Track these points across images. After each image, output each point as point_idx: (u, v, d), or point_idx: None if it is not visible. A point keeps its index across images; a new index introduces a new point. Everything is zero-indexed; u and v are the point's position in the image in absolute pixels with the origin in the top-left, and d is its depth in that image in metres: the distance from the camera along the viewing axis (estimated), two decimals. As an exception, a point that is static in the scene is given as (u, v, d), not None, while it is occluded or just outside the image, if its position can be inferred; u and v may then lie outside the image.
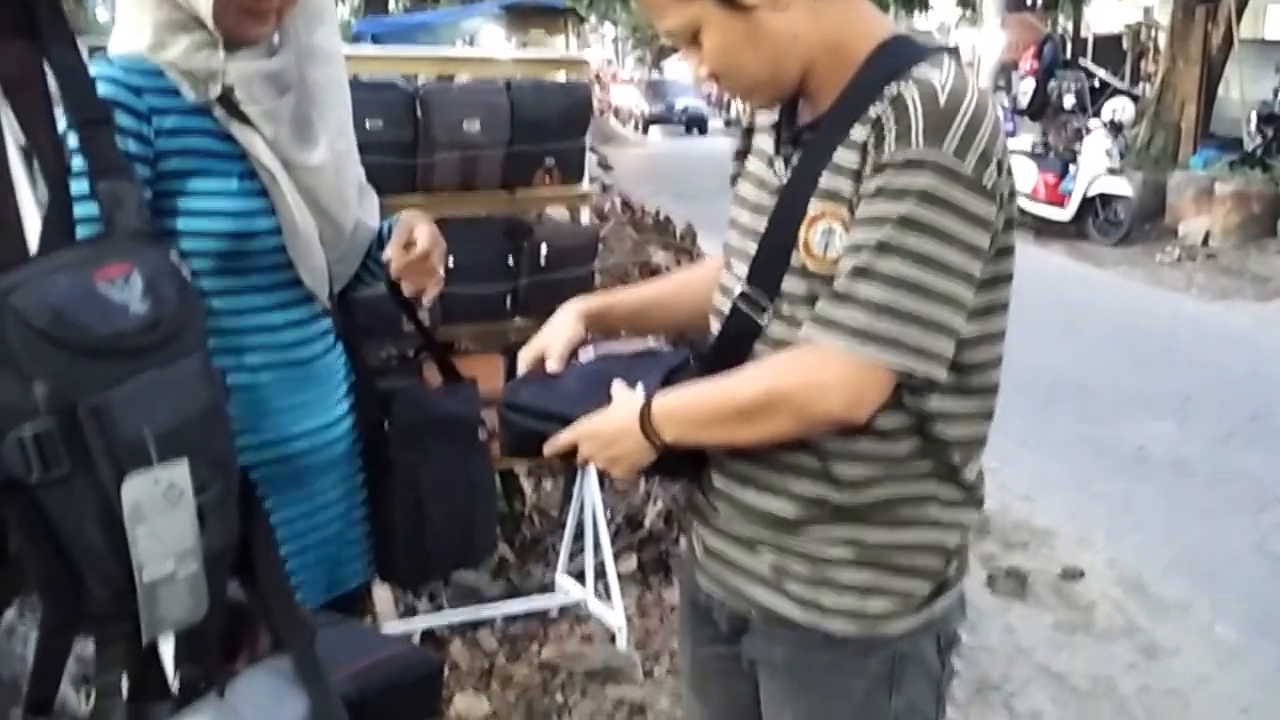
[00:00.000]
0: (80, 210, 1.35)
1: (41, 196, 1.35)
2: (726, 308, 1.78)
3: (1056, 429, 6.82)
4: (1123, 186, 13.35)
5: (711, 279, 1.98)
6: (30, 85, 1.34)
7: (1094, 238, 13.32)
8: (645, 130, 35.16)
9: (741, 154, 1.94)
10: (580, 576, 4.21)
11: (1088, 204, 13.30)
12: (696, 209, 9.34)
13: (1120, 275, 11.86)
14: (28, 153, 1.34)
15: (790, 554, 1.78)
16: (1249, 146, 14.74)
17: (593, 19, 30.99)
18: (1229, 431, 6.90)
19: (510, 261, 3.98)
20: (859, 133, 1.61)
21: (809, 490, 1.73)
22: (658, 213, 8.88)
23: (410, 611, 4.08)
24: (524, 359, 1.99)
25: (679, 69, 36.53)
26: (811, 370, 1.60)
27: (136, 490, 1.21)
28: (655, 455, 1.74)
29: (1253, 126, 15.03)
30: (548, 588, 4.29)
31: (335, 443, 2.26)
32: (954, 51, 1.71)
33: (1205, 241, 12.96)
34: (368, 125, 3.49)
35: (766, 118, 1.86)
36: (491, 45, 18.11)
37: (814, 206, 1.64)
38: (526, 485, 4.77)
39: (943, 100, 1.57)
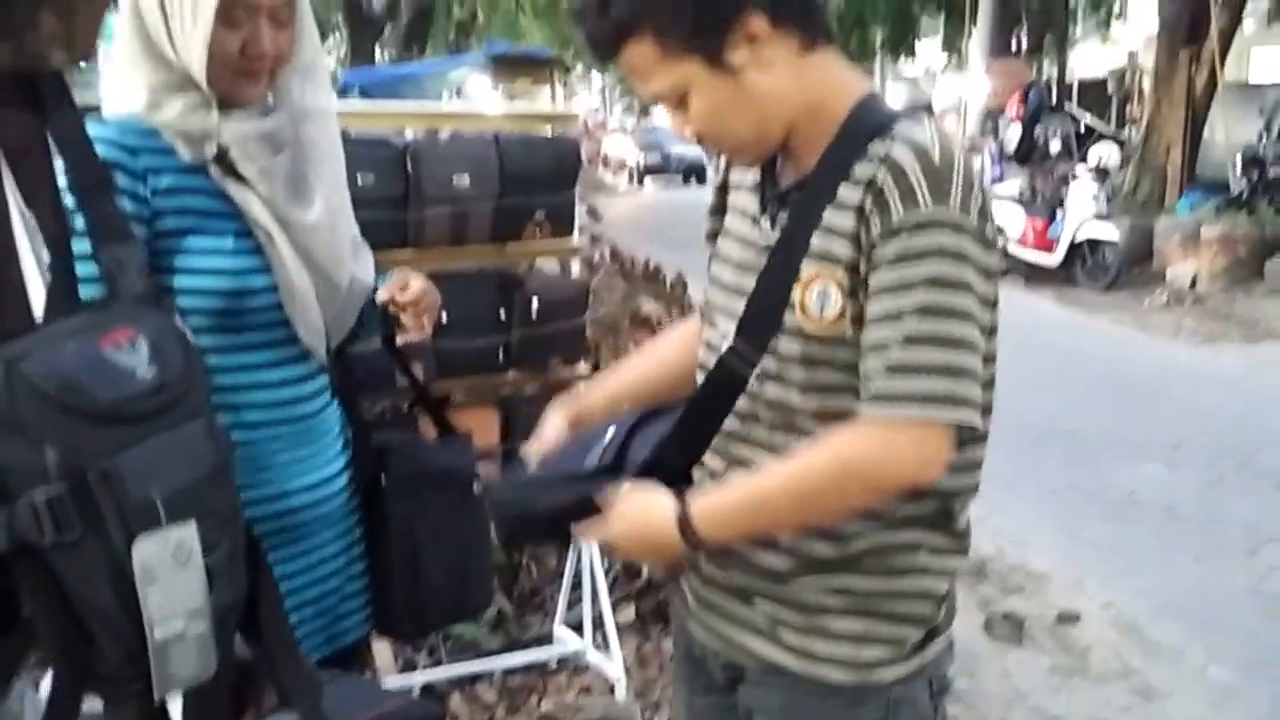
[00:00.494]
0: (83, 273, 1.38)
1: (44, 261, 1.39)
2: (713, 363, 1.82)
3: (1048, 473, 6.84)
4: (1110, 232, 13.43)
5: (688, 346, 2.04)
6: (33, 153, 1.38)
7: (1082, 283, 13.39)
8: (640, 181, 33.74)
9: (717, 210, 1.99)
10: (579, 627, 4.21)
11: (1076, 249, 13.38)
12: (687, 257, 9.42)
13: (1109, 320, 11.91)
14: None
15: (783, 604, 1.81)
16: (1235, 190, 14.84)
17: (579, 68, 31.12)
18: (1219, 475, 6.93)
19: (502, 315, 4.02)
20: (851, 194, 1.66)
21: (800, 543, 1.77)
22: (647, 262, 8.92)
23: (409, 666, 4.07)
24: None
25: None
26: (882, 443, 1.64)
27: (147, 552, 1.24)
28: (685, 551, 1.79)
29: (1238, 170, 15.14)
30: (546, 639, 4.29)
31: (333, 498, 2.28)
32: (928, 109, 1.79)
33: (1193, 285, 13.04)
34: (359, 180, 3.53)
35: (744, 175, 1.90)
36: (478, 96, 18.20)
37: (808, 268, 1.69)
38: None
39: (937, 159, 1.63)
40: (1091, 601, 5.17)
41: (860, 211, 1.64)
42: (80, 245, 1.39)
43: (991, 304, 1.69)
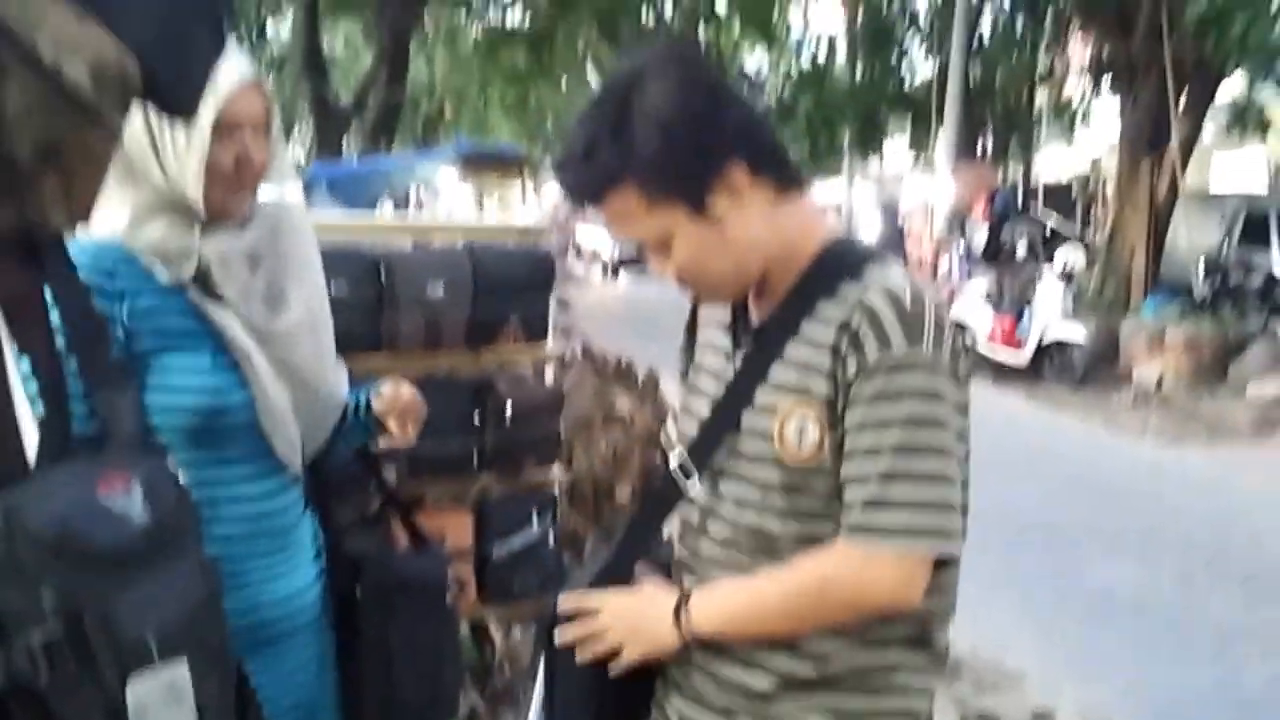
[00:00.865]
0: (77, 412, 1.42)
1: (38, 407, 1.42)
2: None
3: (1022, 571, 6.87)
4: (1077, 332, 13.60)
5: None
6: (29, 301, 1.42)
7: (1050, 381, 13.52)
8: (614, 274, 32.58)
9: (688, 348, 2.07)
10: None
11: (1043, 348, 13.53)
12: (660, 350, 9.49)
13: (1077, 419, 12.02)
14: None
15: None
16: (1198, 295, 15.09)
17: (547, 160, 31.46)
18: (1190, 574, 6.98)
19: (476, 419, 4.04)
20: (824, 334, 1.74)
21: (782, 665, 1.82)
22: (619, 359, 8.95)
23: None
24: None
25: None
26: (862, 569, 1.73)
27: (140, 691, 1.27)
28: (676, 644, 1.84)
29: (1201, 275, 15.42)
30: (523, 740, 4.27)
31: (307, 608, 2.29)
32: (896, 213, 1.89)
33: (1158, 386, 13.18)
34: (332, 288, 3.55)
35: (713, 311, 1.99)
36: (448, 191, 18.29)
37: (786, 402, 1.77)
38: (496, 634, 4.77)
39: (909, 303, 1.71)
40: (1066, 700, 5.17)
41: (836, 351, 1.72)
42: (74, 387, 1.43)
43: (965, 435, 1.78)
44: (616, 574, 1.92)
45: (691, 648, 1.87)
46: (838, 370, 1.73)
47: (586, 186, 1.75)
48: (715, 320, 1.98)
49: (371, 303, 3.76)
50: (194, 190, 2.03)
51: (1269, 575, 6.94)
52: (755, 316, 1.88)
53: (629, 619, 1.86)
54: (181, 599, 1.37)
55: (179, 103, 1.50)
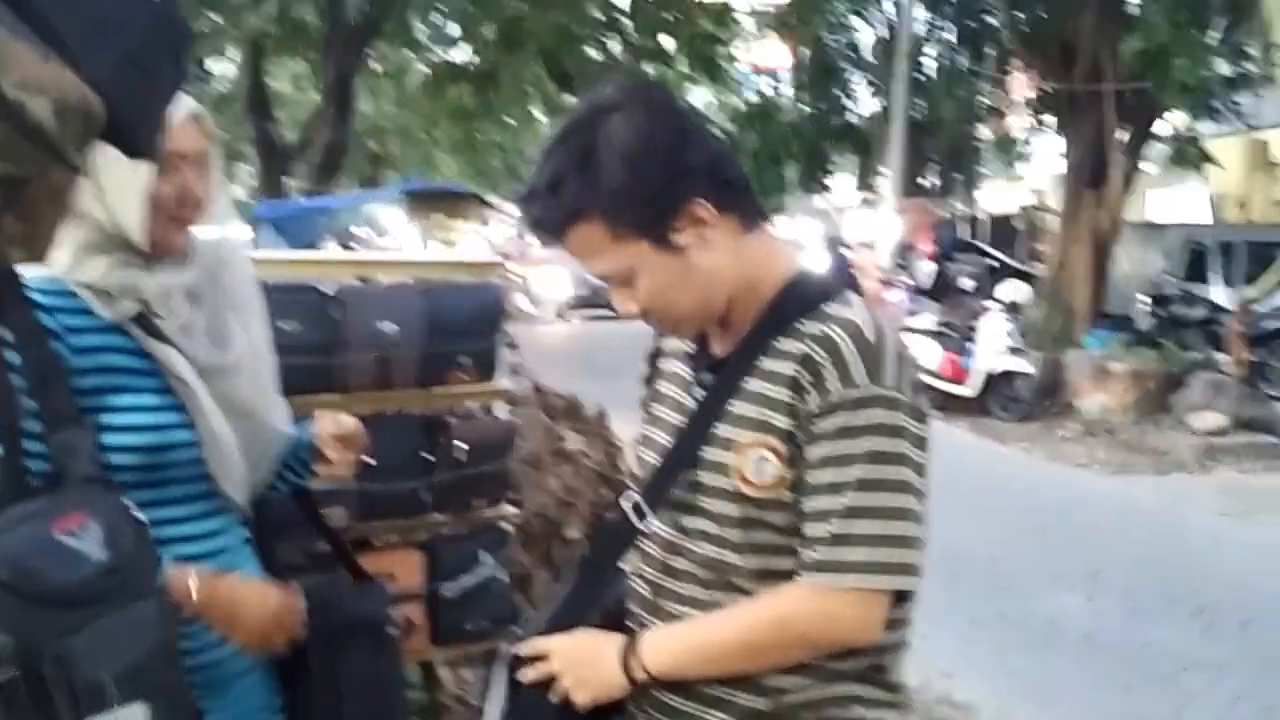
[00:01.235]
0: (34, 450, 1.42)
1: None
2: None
3: (972, 604, 6.91)
4: (1023, 364, 13.75)
5: None
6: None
7: (997, 414, 13.63)
8: (567, 317, 30.39)
9: (650, 379, 2.09)
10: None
11: (990, 381, 13.64)
12: (609, 389, 9.49)
13: (1023, 451, 12.13)
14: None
15: None
16: (1140, 325, 15.27)
17: (494, 198, 31.27)
18: (1137, 605, 7.06)
19: (427, 458, 4.02)
20: (782, 368, 1.76)
21: (746, 701, 1.82)
22: (568, 397, 8.94)
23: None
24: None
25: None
26: (822, 607, 1.75)
27: (97, 734, 1.26)
28: (625, 686, 1.83)
29: (1144, 307, 15.62)
30: (477, 782, 4.24)
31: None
32: (843, 245, 1.92)
33: (1103, 417, 13.31)
34: (284, 327, 3.55)
35: (675, 344, 2.01)
36: (394, 230, 18.25)
37: (745, 436, 1.78)
38: (445, 675, 4.74)
39: (870, 338, 1.75)
40: (1017, 733, 5.22)
41: (795, 384, 1.75)
42: (30, 427, 1.43)
43: (925, 469, 1.79)
44: (574, 614, 1.92)
45: (647, 688, 1.87)
46: (797, 403, 1.75)
47: (551, 220, 1.76)
48: (677, 350, 2.01)
49: (324, 341, 3.73)
50: (136, 225, 2.03)
51: (1217, 607, 7.02)
52: (717, 348, 1.90)
53: (576, 663, 1.86)
54: (140, 640, 1.36)
55: (139, 141, 1.50)
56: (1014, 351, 13.80)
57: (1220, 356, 13.45)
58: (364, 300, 3.85)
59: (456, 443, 4.00)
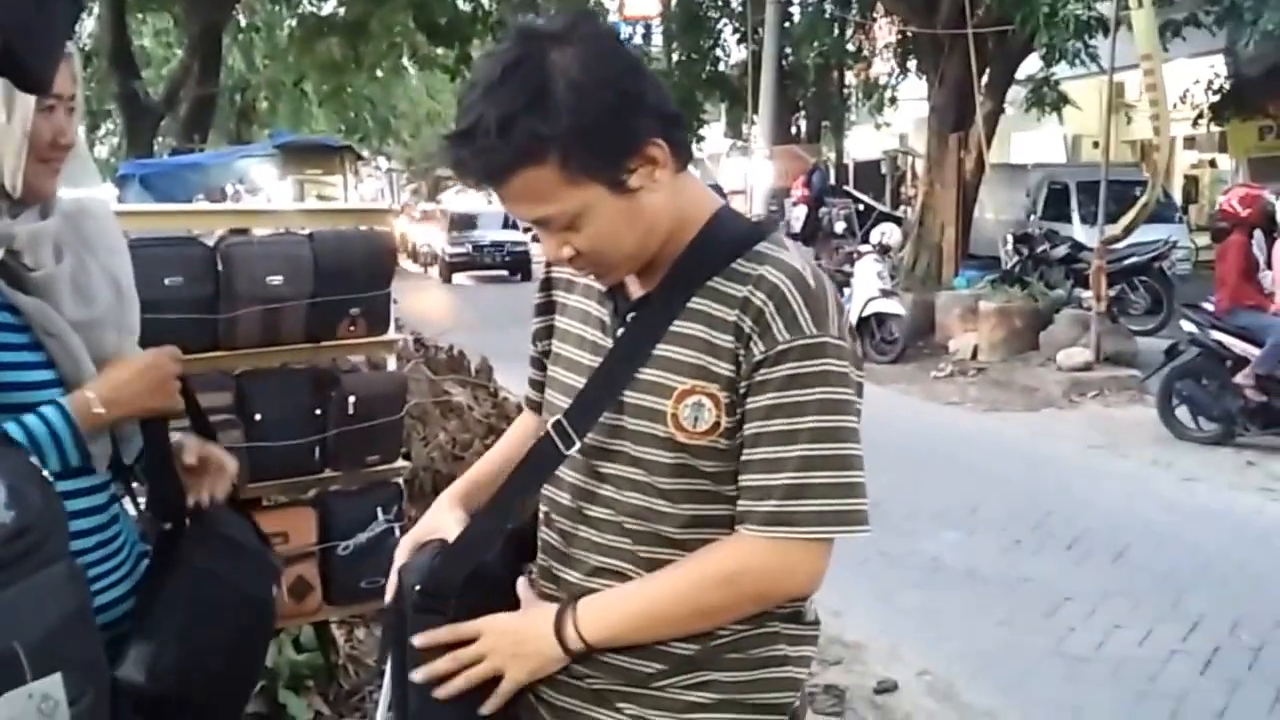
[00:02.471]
0: None
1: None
2: (572, 465, 1.82)
3: (856, 544, 6.84)
4: (895, 306, 13.89)
5: (535, 428, 2.04)
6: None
7: (871, 356, 13.73)
8: (448, 278, 29.34)
9: (545, 309, 1.99)
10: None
11: (863, 324, 13.74)
12: (489, 340, 9.36)
13: (898, 391, 12.26)
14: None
15: (650, 704, 1.79)
16: (1006, 265, 15.55)
17: (366, 152, 30.68)
18: (1015, 539, 7.17)
19: (317, 413, 3.90)
20: (722, 312, 1.69)
21: (675, 646, 1.76)
22: (451, 348, 8.83)
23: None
24: (405, 548, 1.95)
25: (469, 201, 34.79)
26: (775, 560, 1.70)
27: (11, 708, 1.16)
28: (563, 659, 1.75)
29: (1009, 246, 15.89)
30: (368, 734, 4.15)
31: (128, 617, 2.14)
32: (719, 190, 1.84)
33: (974, 356, 13.52)
34: (166, 282, 3.40)
35: (581, 278, 1.89)
36: (267, 186, 17.88)
37: (683, 383, 1.70)
38: (339, 634, 4.62)
39: (812, 284, 1.69)
40: (908, 669, 5.25)
41: (738, 331, 1.67)
42: None
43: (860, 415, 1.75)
44: (480, 546, 1.81)
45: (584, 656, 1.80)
46: (740, 351, 1.68)
47: (497, 163, 1.61)
48: (583, 285, 1.90)
49: (208, 296, 3.60)
50: (13, 168, 1.92)
51: (1091, 538, 7.16)
52: (635, 287, 1.81)
53: (509, 640, 1.76)
54: (52, 609, 1.25)
55: (35, 75, 1.39)
56: (886, 294, 13.93)
57: (1083, 293, 13.69)
58: (248, 252, 3.72)
59: (349, 398, 3.89)
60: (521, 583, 1.86)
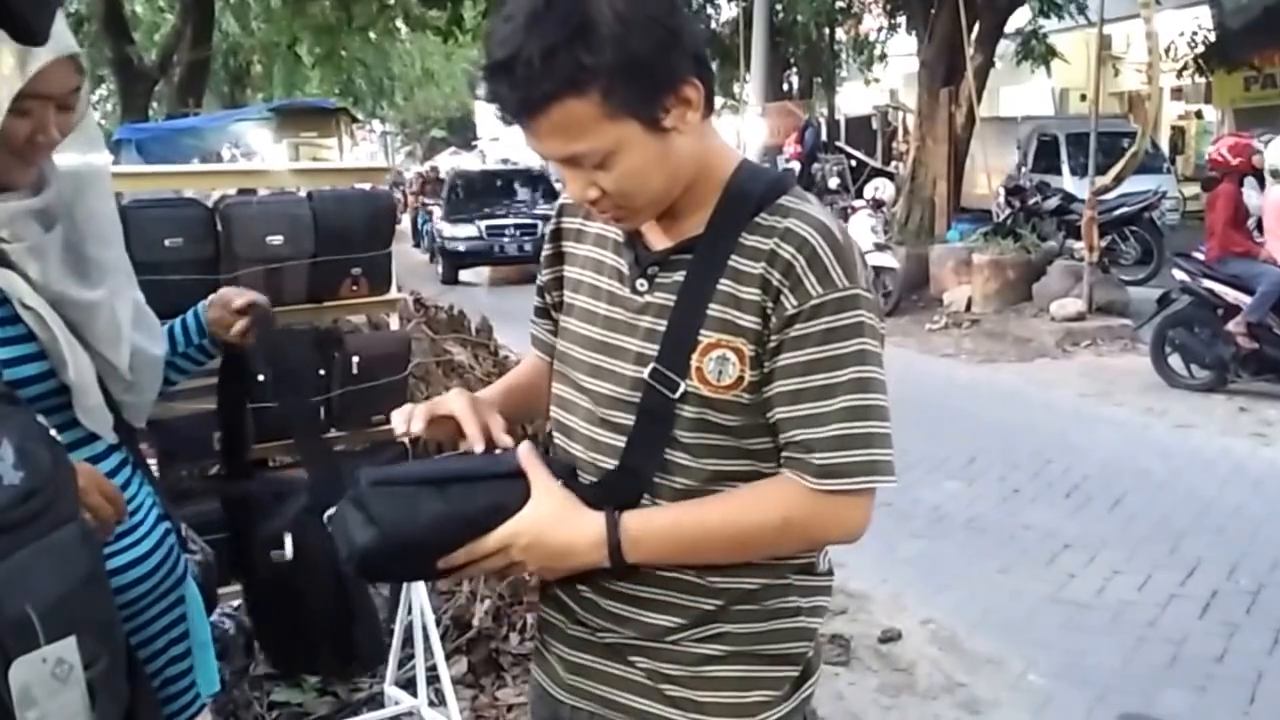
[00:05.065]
0: None
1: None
2: (589, 418, 1.77)
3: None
4: (889, 260, 13.87)
5: (538, 382, 2.00)
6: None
7: (866, 309, 13.72)
8: (453, 276, 20.45)
9: (555, 260, 1.94)
10: (409, 684, 4.04)
11: (860, 278, 13.65)
12: (489, 301, 9.31)
13: (894, 344, 12.17)
14: None
15: (665, 658, 1.76)
16: (998, 217, 15.48)
17: (360, 115, 30.41)
18: (1014, 487, 7.16)
19: (322, 373, 3.85)
20: (749, 266, 1.65)
21: (688, 601, 1.74)
22: (451, 307, 8.79)
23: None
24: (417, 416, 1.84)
25: (473, 160, 34.14)
26: (828, 510, 1.66)
27: (25, 673, 1.11)
28: (605, 568, 1.70)
29: (1001, 199, 15.81)
30: (377, 701, 4.11)
31: (150, 575, 2.12)
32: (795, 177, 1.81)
33: (968, 308, 13.49)
34: (167, 243, 3.35)
35: (595, 227, 1.84)
36: (262, 149, 17.77)
37: (707, 336, 1.66)
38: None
39: (840, 237, 1.66)
40: (911, 618, 5.23)
41: (765, 285, 1.63)
42: None
43: None
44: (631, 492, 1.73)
45: (592, 594, 1.77)
46: (768, 305, 1.64)
47: (537, 94, 1.55)
48: (594, 236, 1.85)
49: (209, 257, 3.54)
50: None
51: (1088, 486, 7.14)
52: (657, 237, 1.76)
53: (546, 553, 1.69)
54: (65, 571, 1.21)
55: (28, 24, 1.33)
56: (880, 248, 13.91)
57: (1075, 244, 13.64)
58: (248, 213, 3.67)
59: (352, 358, 3.84)
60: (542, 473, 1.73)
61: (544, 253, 1.97)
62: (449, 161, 38.12)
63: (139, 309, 2.16)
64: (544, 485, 1.69)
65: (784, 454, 1.67)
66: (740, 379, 1.66)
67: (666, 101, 1.59)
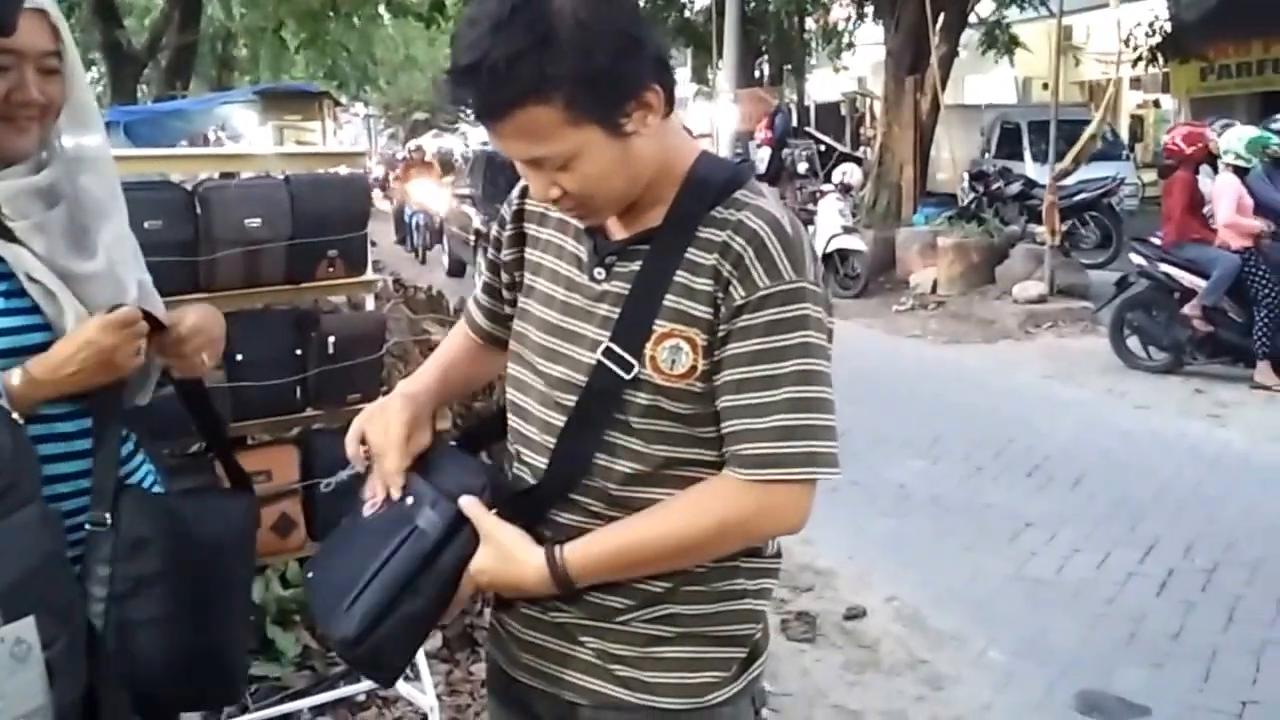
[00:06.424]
0: None
1: None
2: (543, 400, 1.75)
3: (827, 474, 6.85)
4: (857, 243, 13.90)
5: (472, 358, 2.04)
6: None
7: (835, 291, 13.70)
8: (459, 269, 17.10)
9: (515, 241, 1.89)
10: (385, 659, 3.98)
11: (827, 260, 13.67)
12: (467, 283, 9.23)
13: (862, 325, 12.21)
14: None
15: (614, 639, 1.76)
16: (963, 202, 15.48)
17: (344, 98, 30.21)
18: (977, 466, 7.13)
19: (298, 353, 3.78)
20: (703, 258, 1.64)
21: (637, 583, 1.72)
22: (430, 288, 8.73)
23: (213, 716, 3.77)
24: (354, 450, 1.88)
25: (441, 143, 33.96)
26: (764, 503, 1.64)
27: (-18, 653, 1.06)
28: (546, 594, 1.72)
29: (965, 184, 15.81)
30: (353, 673, 4.06)
31: None
32: (690, 134, 1.84)
33: (934, 290, 13.48)
34: (146, 225, 3.26)
35: (555, 214, 1.81)
36: (247, 131, 17.65)
37: (662, 324, 1.65)
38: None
39: (790, 231, 1.64)
40: (876, 595, 5.20)
41: (716, 275, 1.63)
42: None
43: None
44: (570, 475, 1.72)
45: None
46: (719, 295, 1.63)
47: (502, 99, 1.54)
48: (556, 221, 1.82)
49: (188, 239, 3.47)
50: None
51: (1049, 465, 7.12)
52: (617, 229, 1.74)
53: (502, 584, 1.72)
54: (25, 552, 1.18)
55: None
56: (848, 230, 13.95)
57: (1036, 229, 13.63)
58: (226, 195, 3.60)
59: (329, 338, 3.78)
60: (485, 517, 1.70)
61: (505, 232, 1.92)
62: (432, 144, 37.81)
63: (145, 290, 2.11)
64: (487, 529, 1.68)
65: (725, 444, 1.65)
66: (693, 368, 1.65)
67: (628, 107, 1.58)
